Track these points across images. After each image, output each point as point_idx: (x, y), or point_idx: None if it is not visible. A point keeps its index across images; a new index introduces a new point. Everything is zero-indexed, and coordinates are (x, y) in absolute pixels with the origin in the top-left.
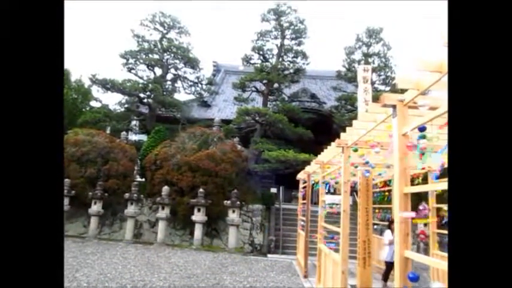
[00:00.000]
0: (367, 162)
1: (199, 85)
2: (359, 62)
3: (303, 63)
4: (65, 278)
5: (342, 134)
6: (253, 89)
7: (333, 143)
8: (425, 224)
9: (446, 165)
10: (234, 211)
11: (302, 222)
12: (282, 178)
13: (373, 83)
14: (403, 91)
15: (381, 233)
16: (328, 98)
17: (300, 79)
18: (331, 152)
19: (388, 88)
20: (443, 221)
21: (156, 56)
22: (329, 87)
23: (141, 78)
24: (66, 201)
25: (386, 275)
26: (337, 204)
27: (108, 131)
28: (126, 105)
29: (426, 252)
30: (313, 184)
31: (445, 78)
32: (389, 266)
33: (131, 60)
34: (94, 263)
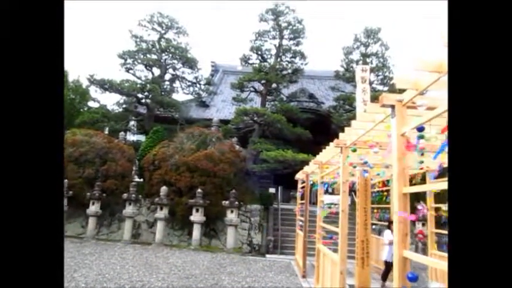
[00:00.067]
0: (365, 162)
1: (198, 85)
2: (357, 62)
3: (301, 64)
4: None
5: (341, 134)
6: (252, 89)
7: (331, 143)
8: (423, 224)
9: (444, 165)
10: (232, 211)
11: (300, 223)
12: (280, 178)
13: (371, 83)
14: (400, 91)
15: (379, 233)
16: (326, 98)
17: (298, 79)
18: (329, 152)
19: (386, 88)
20: (442, 221)
21: (154, 56)
22: (327, 87)
23: (139, 78)
24: (64, 201)
25: (385, 275)
26: (335, 204)
27: (106, 132)
28: (124, 106)
29: (424, 252)
30: (311, 184)
31: (444, 78)
32: (389, 265)
33: (129, 61)
34: (92, 263)
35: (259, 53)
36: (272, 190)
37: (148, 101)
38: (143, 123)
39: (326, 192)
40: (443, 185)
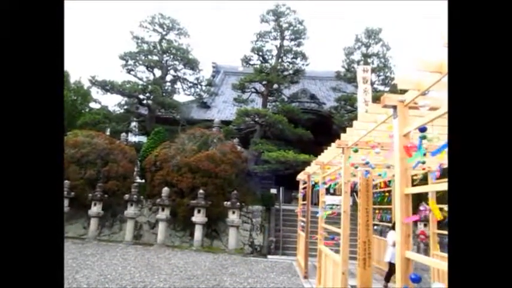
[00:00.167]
0: (367, 163)
1: (199, 86)
2: (358, 62)
3: (303, 64)
4: (65, 280)
5: (342, 135)
6: (253, 90)
7: (333, 144)
8: (425, 225)
9: (444, 166)
10: (234, 212)
11: (302, 223)
12: (281, 179)
13: (372, 84)
14: (402, 91)
15: (381, 233)
16: (327, 99)
17: (299, 80)
18: (331, 153)
19: (387, 88)
20: (444, 221)
21: (155, 58)
22: (328, 88)
23: (140, 79)
24: (65, 202)
25: (389, 276)
26: (337, 205)
27: (107, 133)
28: (125, 107)
29: (426, 252)
30: (313, 185)
31: (445, 79)
32: (393, 267)
33: (131, 62)
34: (94, 264)
35: (261, 53)
36: (274, 191)
37: (149, 102)
38: (145, 124)
39: (328, 192)
40: (445, 185)
